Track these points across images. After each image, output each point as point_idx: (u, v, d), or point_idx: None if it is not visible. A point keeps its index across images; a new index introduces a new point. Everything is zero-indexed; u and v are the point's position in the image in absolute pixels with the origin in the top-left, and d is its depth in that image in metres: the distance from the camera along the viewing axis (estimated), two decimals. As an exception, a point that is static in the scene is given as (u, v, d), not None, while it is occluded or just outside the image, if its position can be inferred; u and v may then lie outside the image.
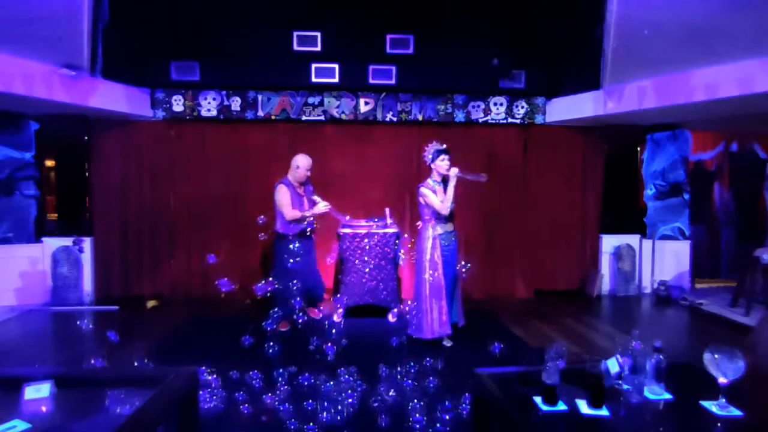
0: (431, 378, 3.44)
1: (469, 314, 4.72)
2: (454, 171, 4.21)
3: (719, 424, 1.64)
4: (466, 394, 3.07)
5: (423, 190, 4.32)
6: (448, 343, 4.41)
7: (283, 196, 4.62)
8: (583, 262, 6.66)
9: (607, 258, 6.55)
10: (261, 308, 5.13)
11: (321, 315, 5.11)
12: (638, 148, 6.64)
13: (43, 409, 1.71)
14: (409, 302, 4.70)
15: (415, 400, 3.10)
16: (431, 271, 4.30)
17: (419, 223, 4.54)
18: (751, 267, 5.50)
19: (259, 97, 6.12)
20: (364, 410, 3.09)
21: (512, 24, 5.94)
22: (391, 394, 3.21)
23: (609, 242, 6.54)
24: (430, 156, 4.37)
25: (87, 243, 6.00)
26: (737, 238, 7.29)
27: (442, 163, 4.31)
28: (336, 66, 5.97)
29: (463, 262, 4.56)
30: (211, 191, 6.22)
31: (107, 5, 5.21)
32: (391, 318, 5.17)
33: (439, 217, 4.32)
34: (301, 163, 4.70)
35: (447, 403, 3.08)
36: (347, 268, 5.24)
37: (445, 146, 4.39)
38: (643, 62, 5.19)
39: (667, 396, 1.83)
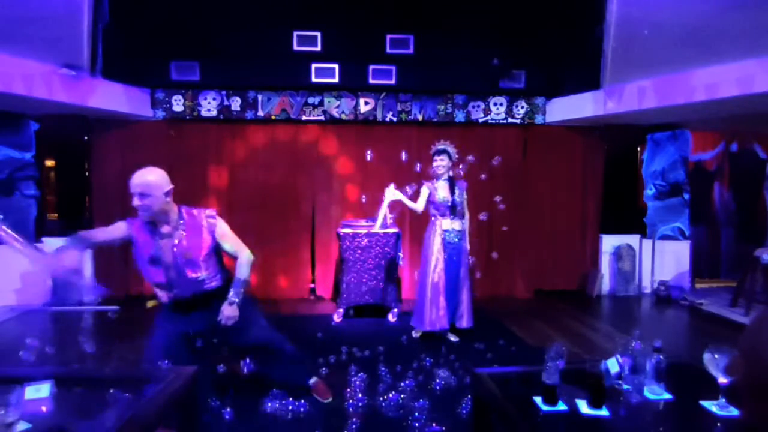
0: (431, 378, 3.44)
1: (469, 314, 4.71)
2: (394, 194, 4.55)
3: (719, 424, 1.64)
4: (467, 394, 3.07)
5: (423, 187, 4.46)
6: (453, 338, 4.46)
7: None
8: (583, 262, 6.66)
9: (607, 258, 6.55)
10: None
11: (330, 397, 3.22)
12: (638, 148, 6.64)
13: (43, 409, 1.70)
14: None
15: (420, 400, 3.10)
16: (432, 266, 4.36)
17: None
18: (751, 267, 5.50)
19: (259, 97, 6.11)
20: (363, 410, 3.09)
21: (512, 24, 5.93)
22: (391, 395, 3.21)
23: (609, 242, 6.53)
24: (432, 155, 4.48)
25: (87, 243, 5.99)
26: (737, 238, 7.29)
27: (434, 164, 4.42)
28: (336, 66, 5.97)
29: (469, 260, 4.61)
30: (211, 191, 6.22)
31: (107, 5, 5.20)
32: (391, 318, 5.17)
33: (443, 213, 4.36)
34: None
35: (446, 403, 3.07)
36: (347, 267, 5.23)
37: (442, 147, 4.43)
38: (643, 62, 5.19)
39: (667, 396, 1.83)
